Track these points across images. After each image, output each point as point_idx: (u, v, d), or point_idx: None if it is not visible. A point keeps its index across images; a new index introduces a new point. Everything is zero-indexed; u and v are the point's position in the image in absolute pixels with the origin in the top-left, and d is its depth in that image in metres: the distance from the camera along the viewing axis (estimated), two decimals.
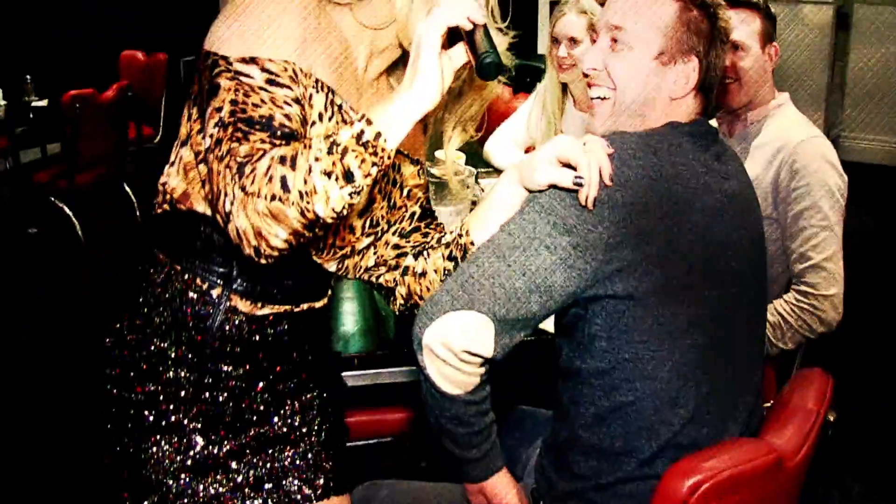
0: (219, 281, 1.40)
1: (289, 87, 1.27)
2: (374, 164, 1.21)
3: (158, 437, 1.41)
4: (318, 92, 1.33)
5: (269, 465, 1.47)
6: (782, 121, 2.46)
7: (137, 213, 5.04)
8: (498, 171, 3.10)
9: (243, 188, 1.19)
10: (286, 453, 1.49)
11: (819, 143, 2.39)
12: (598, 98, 1.55)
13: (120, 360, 1.44)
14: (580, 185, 1.34)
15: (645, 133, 1.47)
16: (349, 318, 2.10)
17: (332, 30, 1.37)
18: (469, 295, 1.37)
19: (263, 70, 1.26)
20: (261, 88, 1.25)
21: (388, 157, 1.23)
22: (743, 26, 2.44)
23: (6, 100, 5.16)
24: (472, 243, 1.50)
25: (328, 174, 1.19)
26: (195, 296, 1.40)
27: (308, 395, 1.53)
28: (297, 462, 1.50)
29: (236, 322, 1.41)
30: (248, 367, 1.44)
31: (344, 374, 1.86)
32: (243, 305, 1.41)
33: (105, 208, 5.44)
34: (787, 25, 6.18)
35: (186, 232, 1.40)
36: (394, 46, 1.43)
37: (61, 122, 4.64)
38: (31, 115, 5.15)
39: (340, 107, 1.37)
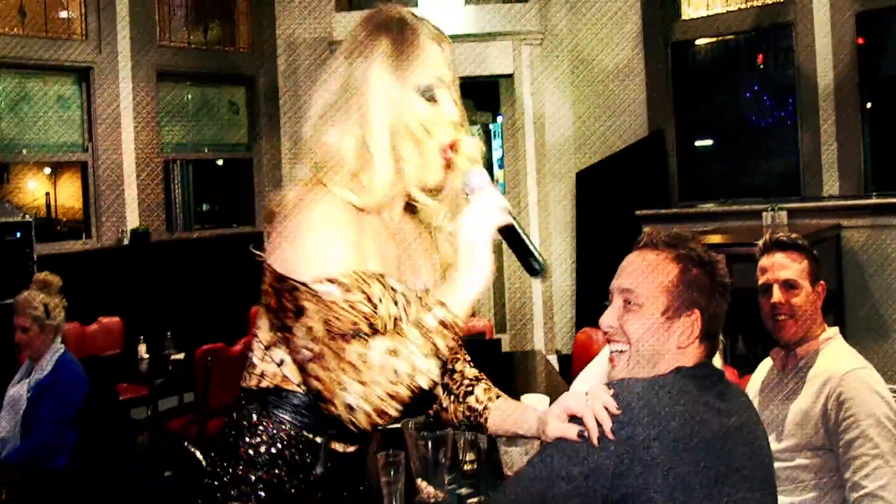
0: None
1: (360, 291, 1.55)
2: (453, 338, 1.52)
3: None
4: (375, 282, 1.60)
5: None
6: (831, 353, 2.61)
7: None
8: None
9: (362, 383, 1.48)
10: None
11: (865, 373, 2.51)
12: (617, 351, 1.82)
13: None
14: (583, 437, 1.61)
15: (651, 378, 1.71)
16: None
17: (367, 221, 1.66)
18: None
19: (338, 285, 1.53)
20: (343, 301, 1.53)
21: (461, 331, 1.53)
22: (794, 265, 2.65)
23: (149, 353, 5.65)
24: (486, 421, 1.86)
25: (426, 355, 1.50)
26: (301, 445, 1.67)
27: None
28: None
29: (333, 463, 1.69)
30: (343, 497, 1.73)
31: None
32: (339, 446, 1.70)
33: None
34: (891, 249, 6.27)
35: (286, 403, 1.67)
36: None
37: (194, 373, 5.03)
38: (170, 368, 5.54)
39: (393, 288, 1.63)
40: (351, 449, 1.73)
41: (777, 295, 2.65)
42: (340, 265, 1.55)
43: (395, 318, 1.61)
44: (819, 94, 7.05)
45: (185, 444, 5.06)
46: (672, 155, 7.96)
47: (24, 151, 6.92)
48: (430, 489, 2.53)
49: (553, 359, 7.29)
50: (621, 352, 1.81)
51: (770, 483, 1.79)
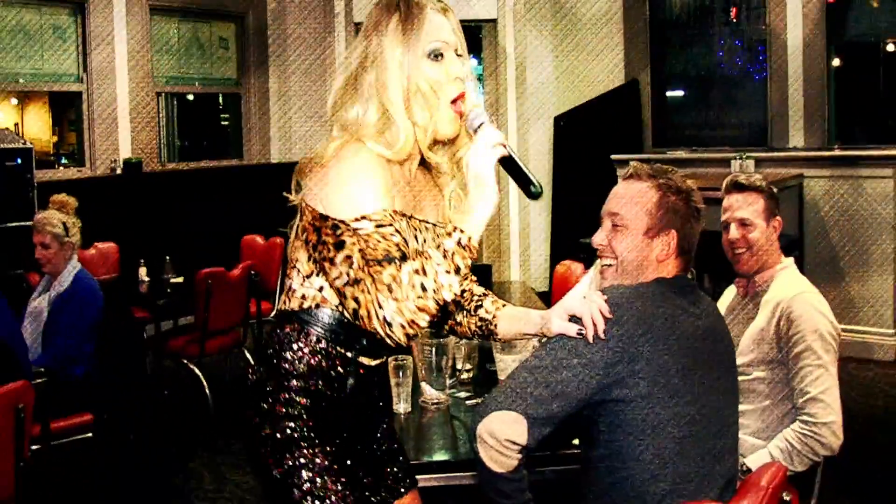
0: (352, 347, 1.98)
1: (389, 225, 1.85)
2: (469, 256, 1.82)
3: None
4: (401, 217, 1.93)
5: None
6: (784, 280, 2.97)
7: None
8: None
9: (396, 299, 1.77)
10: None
11: (811, 296, 2.88)
12: (607, 265, 2.18)
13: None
14: (581, 335, 1.96)
15: (636, 285, 2.07)
16: None
17: (392, 171, 1.95)
18: (508, 399, 1.95)
19: (371, 221, 1.83)
20: (374, 233, 1.83)
21: (476, 250, 1.83)
22: (749, 205, 3.01)
23: (149, 277, 5.88)
24: (496, 327, 2.16)
25: (447, 272, 1.79)
26: (335, 359, 1.97)
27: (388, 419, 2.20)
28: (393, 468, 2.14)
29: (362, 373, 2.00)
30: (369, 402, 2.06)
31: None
32: (365, 360, 2.00)
33: (229, 372, 6.13)
34: (851, 199, 6.62)
35: (321, 321, 1.97)
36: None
37: (195, 296, 5.25)
38: (169, 291, 5.77)
39: (415, 223, 1.98)
40: (375, 363, 2.03)
41: (734, 232, 3.01)
42: (374, 205, 1.83)
43: (416, 249, 1.93)
44: (788, 50, 7.41)
45: (184, 361, 5.36)
46: (646, 103, 8.29)
47: (20, 81, 7.11)
48: (433, 392, 2.90)
49: None
50: (609, 265, 2.17)
51: (732, 373, 2.17)
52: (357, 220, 1.83)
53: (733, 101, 8.05)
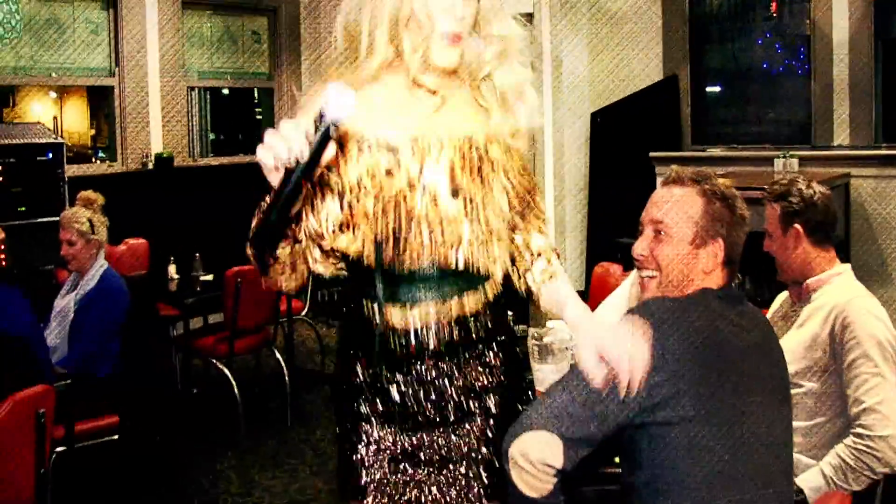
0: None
1: None
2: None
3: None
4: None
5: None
6: (839, 285, 2.82)
7: (286, 376, 5.55)
8: None
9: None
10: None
11: (867, 301, 2.74)
12: (648, 277, 2.04)
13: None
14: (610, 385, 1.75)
15: (682, 297, 1.93)
16: None
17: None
18: (543, 419, 1.81)
19: None
20: None
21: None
22: (769, 216, 2.89)
23: (179, 274, 5.80)
24: (539, 298, 1.99)
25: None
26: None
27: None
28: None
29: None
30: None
31: None
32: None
33: (258, 372, 6.07)
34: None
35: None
36: None
37: (224, 294, 5.19)
38: (199, 288, 5.67)
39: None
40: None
41: (766, 244, 2.91)
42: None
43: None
44: (833, 45, 7.18)
45: (214, 361, 5.30)
46: (685, 99, 8.12)
47: (53, 75, 7.08)
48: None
49: None
50: (651, 277, 2.03)
51: (785, 389, 2.03)
52: None
53: (774, 98, 7.86)
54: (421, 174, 1.82)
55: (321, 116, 1.49)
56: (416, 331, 1.87)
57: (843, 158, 6.71)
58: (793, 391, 2.60)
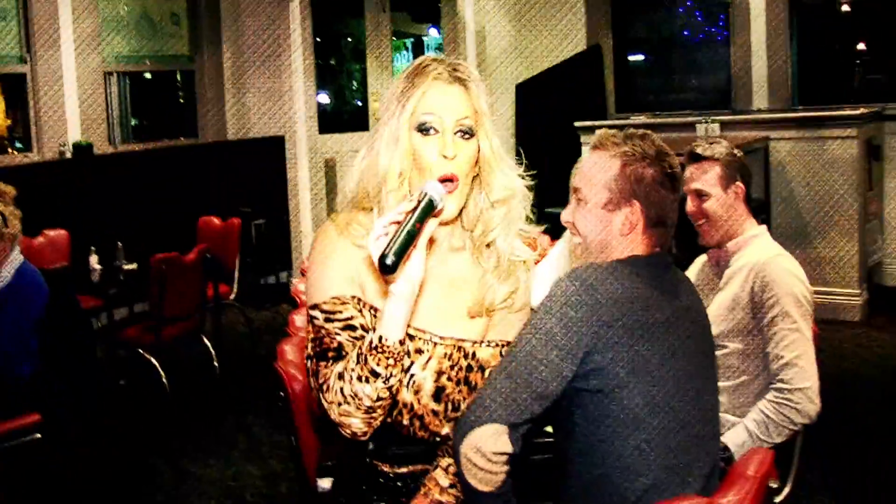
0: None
1: (339, 316, 1.74)
2: (388, 358, 1.66)
3: None
4: (349, 306, 1.77)
5: None
6: (757, 246, 2.86)
7: (216, 364, 5.49)
8: None
9: (328, 401, 1.69)
10: None
11: (784, 259, 2.79)
12: (576, 244, 2.03)
13: None
14: None
15: (608, 265, 1.91)
16: None
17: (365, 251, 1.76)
18: (489, 412, 1.78)
19: (322, 311, 1.75)
20: (323, 326, 1.74)
21: (398, 351, 1.66)
22: (703, 175, 2.89)
23: (101, 265, 5.67)
24: None
25: (360, 378, 1.66)
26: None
27: None
28: None
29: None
30: None
31: None
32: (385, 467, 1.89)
33: (187, 360, 5.98)
34: (816, 160, 6.54)
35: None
36: None
37: (149, 282, 5.11)
38: (122, 278, 5.60)
39: (372, 307, 1.79)
40: (399, 470, 1.90)
41: (690, 204, 2.90)
42: (326, 293, 1.76)
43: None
44: (750, 11, 7.28)
45: (140, 351, 5.21)
46: (609, 69, 8.16)
47: None
48: None
49: None
50: (578, 244, 2.02)
51: (711, 355, 2.03)
52: (312, 308, 1.78)
53: (696, 65, 7.96)
54: (410, 367, 1.82)
55: (424, 194, 1.64)
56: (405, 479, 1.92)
57: (762, 122, 6.80)
58: (717, 352, 2.63)
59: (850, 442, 4.35)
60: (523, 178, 1.92)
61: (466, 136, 1.81)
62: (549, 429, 2.10)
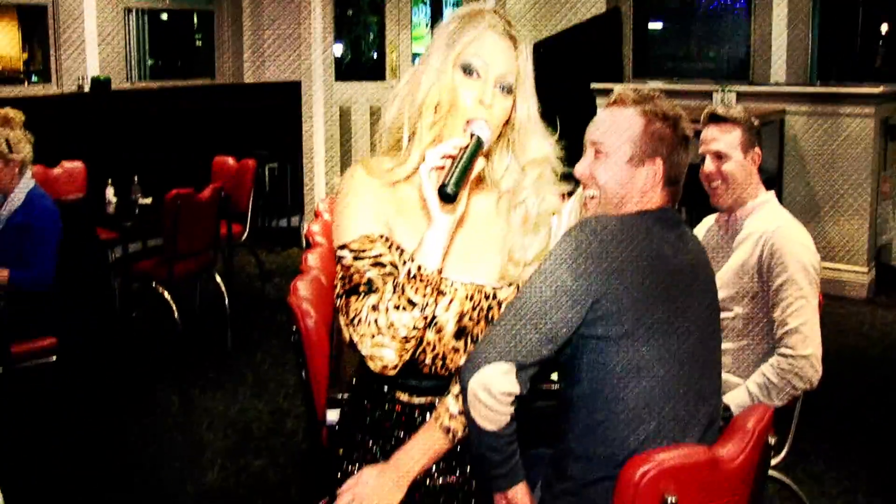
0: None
1: (369, 255, 1.78)
2: (426, 287, 1.72)
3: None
4: (377, 244, 1.81)
5: None
6: (766, 213, 2.91)
7: (226, 301, 5.56)
8: None
9: (361, 335, 1.73)
10: None
11: (793, 227, 2.84)
12: (590, 196, 2.09)
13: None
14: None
15: (620, 218, 1.97)
16: None
17: (401, 187, 1.86)
18: (499, 350, 1.83)
19: (350, 251, 1.79)
20: (352, 264, 1.78)
21: (435, 279, 1.72)
22: (725, 136, 2.93)
23: (116, 197, 5.74)
24: None
25: (396, 307, 1.71)
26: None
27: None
28: None
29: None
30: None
31: None
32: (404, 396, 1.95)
33: (199, 297, 6.06)
34: (831, 137, 6.57)
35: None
36: None
37: (163, 217, 5.14)
38: (137, 212, 5.64)
39: (399, 247, 1.84)
40: (417, 400, 1.95)
41: (709, 165, 2.95)
42: (354, 232, 1.79)
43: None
44: None
45: (154, 284, 5.26)
46: (628, 32, 8.15)
47: None
48: None
49: None
50: (592, 197, 2.07)
51: (716, 310, 2.09)
52: (339, 248, 1.81)
53: (715, 35, 7.94)
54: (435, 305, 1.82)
55: (472, 134, 1.75)
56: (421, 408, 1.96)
57: (779, 95, 6.81)
58: (723, 315, 2.70)
59: (846, 416, 4.44)
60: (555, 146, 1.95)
61: (505, 91, 1.84)
62: (555, 376, 2.17)
